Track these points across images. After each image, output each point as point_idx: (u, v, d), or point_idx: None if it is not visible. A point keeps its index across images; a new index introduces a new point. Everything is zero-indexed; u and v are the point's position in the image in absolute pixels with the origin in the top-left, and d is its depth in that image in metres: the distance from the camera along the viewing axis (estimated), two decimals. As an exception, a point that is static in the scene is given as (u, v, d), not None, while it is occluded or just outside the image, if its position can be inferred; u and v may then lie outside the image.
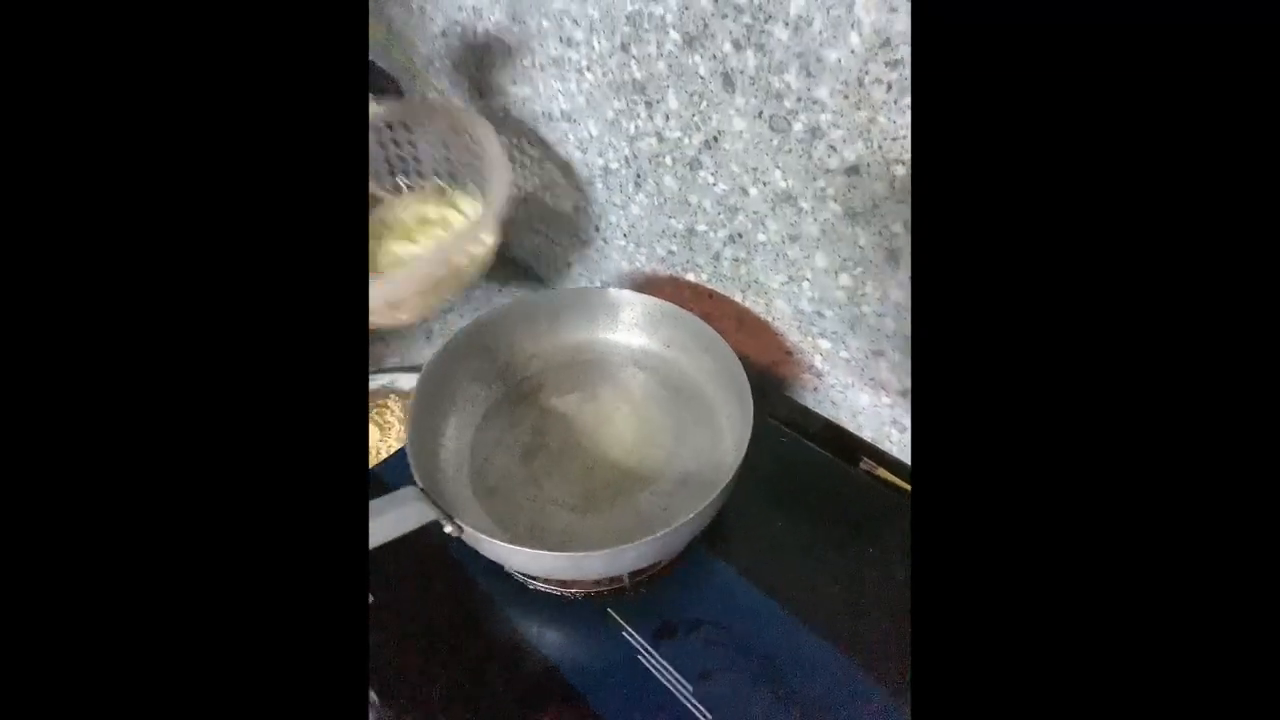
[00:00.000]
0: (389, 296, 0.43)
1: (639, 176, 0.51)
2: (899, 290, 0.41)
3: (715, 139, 0.44)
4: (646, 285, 0.57)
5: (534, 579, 0.40)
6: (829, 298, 0.45)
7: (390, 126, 0.55)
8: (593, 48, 0.47)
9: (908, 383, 0.45)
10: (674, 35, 0.42)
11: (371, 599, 0.39)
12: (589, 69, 0.49)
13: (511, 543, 0.34)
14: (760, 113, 0.41)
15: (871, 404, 0.48)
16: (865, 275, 0.42)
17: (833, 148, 0.39)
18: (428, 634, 0.38)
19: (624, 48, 0.45)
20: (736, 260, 0.50)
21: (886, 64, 0.34)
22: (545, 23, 0.49)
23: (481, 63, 0.58)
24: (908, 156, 0.36)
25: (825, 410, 0.52)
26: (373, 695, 0.37)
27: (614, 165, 0.53)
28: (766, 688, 0.35)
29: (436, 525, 0.35)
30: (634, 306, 0.49)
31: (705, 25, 0.40)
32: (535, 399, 0.48)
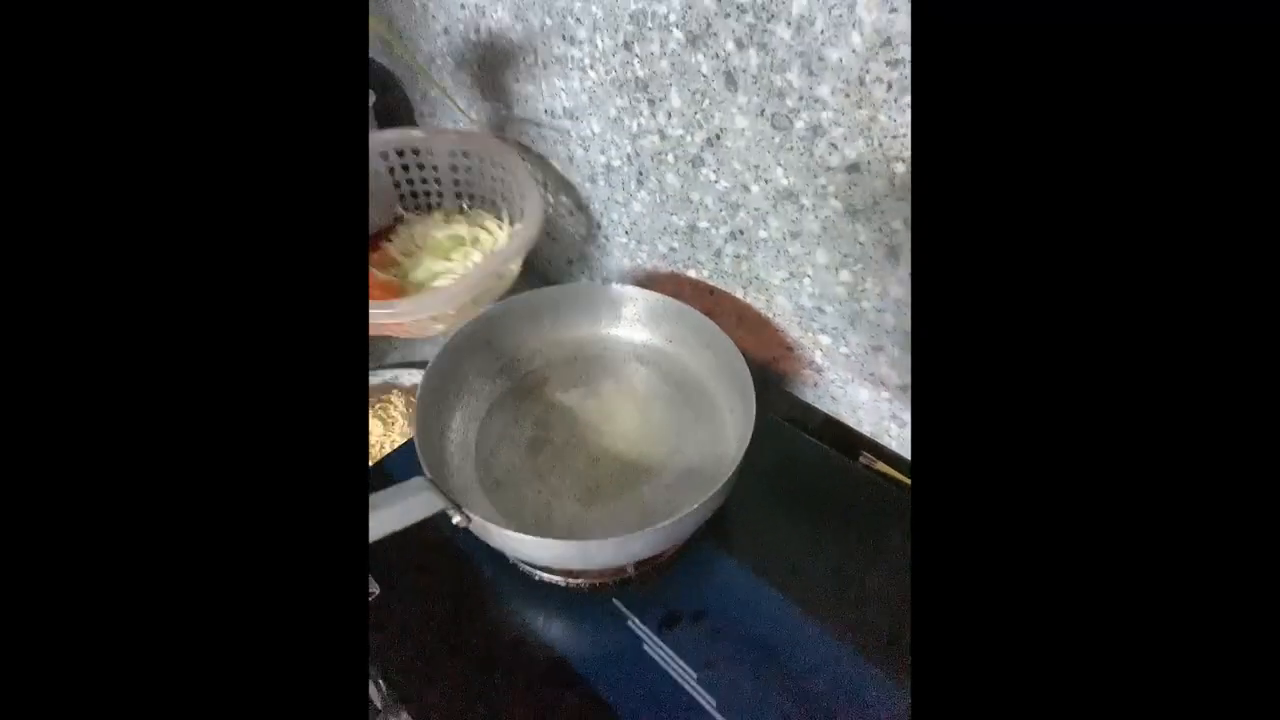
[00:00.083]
0: (434, 310, 0.46)
1: (641, 174, 0.52)
2: (899, 286, 0.42)
3: (717, 136, 0.45)
4: (648, 282, 0.58)
5: (539, 570, 0.41)
6: (829, 294, 0.46)
7: (416, 152, 0.59)
8: (595, 46, 0.48)
9: (907, 378, 0.45)
10: (677, 34, 0.42)
11: (377, 591, 0.40)
12: (591, 67, 0.49)
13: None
14: (762, 111, 0.41)
15: (871, 399, 0.49)
16: (865, 271, 0.43)
17: (834, 145, 0.39)
18: (434, 625, 0.39)
19: (627, 46, 0.46)
20: (738, 257, 0.50)
21: (887, 63, 0.34)
22: (548, 20, 0.50)
23: (484, 61, 0.58)
24: (908, 154, 0.36)
25: (825, 405, 0.52)
26: (381, 686, 0.37)
27: (616, 163, 0.53)
28: (768, 675, 0.36)
29: (441, 519, 0.36)
30: (636, 302, 0.49)
31: (708, 24, 0.40)
32: (539, 394, 0.48)
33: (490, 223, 0.59)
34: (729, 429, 0.44)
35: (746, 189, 0.46)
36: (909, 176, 0.37)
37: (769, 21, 0.38)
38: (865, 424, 0.50)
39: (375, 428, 0.53)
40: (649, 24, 0.43)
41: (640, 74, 0.46)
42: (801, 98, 0.39)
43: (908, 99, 0.35)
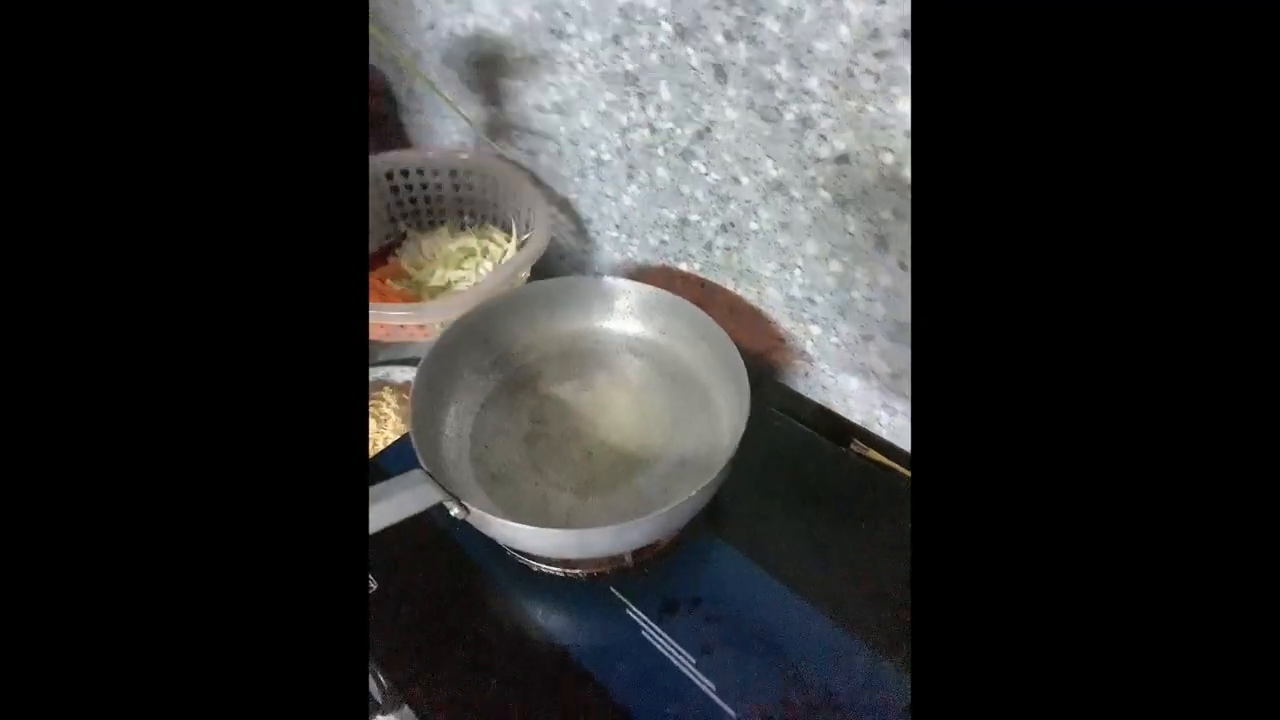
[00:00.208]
0: (459, 312, 0.47)
1: (631, 168, 0.52)
2: (888, 275, 0.42)
3: (707, 129, 0.45)
4: (639, 275, 0.58)
5: (537, 560, 0.41)
6: (819, 284, 0.47)
7: (420, 172, 0.63)
8: (584, 40, 0.48)
9: (896, 367, 0.46)
10: (666, 27, 0.43)
11: (374, 587, 0.40)
12: (580, 61, 0.50)
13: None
14: (752, 103, 0.42)
15: (861, 388, 0.49)
16: (855, 261, 0.44)
17: (823, 137, 0.40)
18: (432, 619, 0.39)
19: (616, 40, 0.46)
20: (728, 249, 0.51)
21: (875, 55, 0.35)
22: (536, 15, 0.50)
23: (471, 56, 0.58)
24: (896, 145, 0.37)
25: (816, 395, 0.53)
26: (381, 681, 0.37)
27: (606, 157, 0.54)
28: (765, 657, 0.36)
29: (438, 513, 0.36)
30: (629, 294, 0.50)
31: (697, 17, 0.41)
32: (533, 387, 0.49)
33: (498, 235, 0.63)
34: (723, 419, 0.45)
35: (737, 181, 0.46)
36: (897, 167, 0.38)
37: (758, 14, 0.38)
38: (856, 413, 0.51)
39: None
40: (638, 17, 0.44)
41: (629, 68, 0.47)
42: (791, 90, 0.39)
43: (896, 90, 0.35)
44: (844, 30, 0.35)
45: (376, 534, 0.33)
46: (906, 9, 0.33)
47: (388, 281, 0.60)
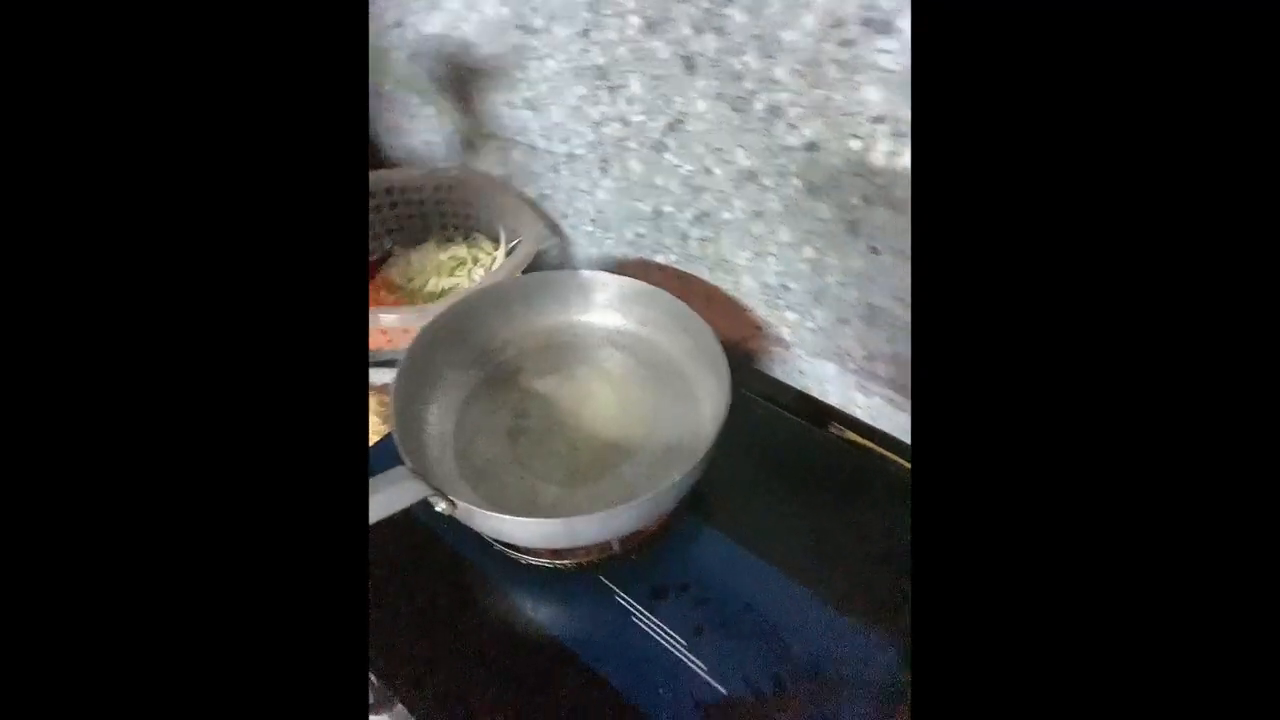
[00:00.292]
0: None
1: (604, 161, 0.53)
2: (859, 260, 0.44)
3: (679, 121, 0.46)
4: (617, 270, 0.58)
5: (525, 553, 0.41)
6: (794, 270, 0.48)
7: (404, 190, 0.64)
8: (553, 34, 0.48)
9: (871, 349, 0.47)
10: (634, 20, 0.43)
11: (363, 587, 0.40)
12: (550, 56, 0.50)
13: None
14: (721, 94, 0.42)
15: (837, 371, 0.51)
16: (827, 247, 0.45)
17: (792, 125, 0.41)
18: (424, 615, 0.39)
19: (585, 34, 0.46)
20: (704, 239, 0.51)
21: (839, 44, 0.36)
22: (504, 10, 0.50)
23: (440, 54, 0.58)
24: (863, 131, 0.38)
25: (794, 380, 0.54)
26: (373, 680, 0.37)
27: (579, 151, 0.54)
28: (754, 636, 0.37)
29: (423, 513, 0.36)
30: (608, 287, 0.50)
31: (665, 10, 0.41)
32: (514, 382, 0.49)
33: (486, 244, 0.64)
34: (705, 407, 0.46)
35: (709, 172, 0.47)
36: (864, 153, 0.39)
37: (725, 5, 0.39)
38: (832, 396, 0.52)
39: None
40: (606, 11, 0.44)
41: (599, 61, 0.47)
42: (759, 80, 0.40)
43: (860, 78, 0.36)
44: (809, 20, 0.36)
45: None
46: (868, -2, 0.34)
47: (382, 293, 0.61)
